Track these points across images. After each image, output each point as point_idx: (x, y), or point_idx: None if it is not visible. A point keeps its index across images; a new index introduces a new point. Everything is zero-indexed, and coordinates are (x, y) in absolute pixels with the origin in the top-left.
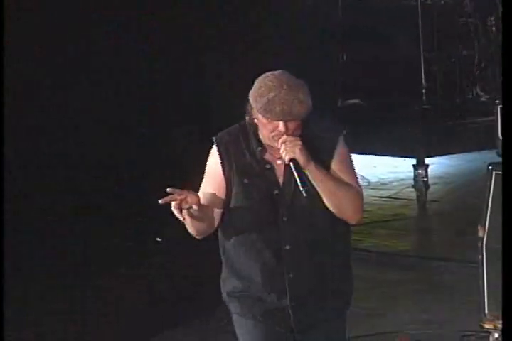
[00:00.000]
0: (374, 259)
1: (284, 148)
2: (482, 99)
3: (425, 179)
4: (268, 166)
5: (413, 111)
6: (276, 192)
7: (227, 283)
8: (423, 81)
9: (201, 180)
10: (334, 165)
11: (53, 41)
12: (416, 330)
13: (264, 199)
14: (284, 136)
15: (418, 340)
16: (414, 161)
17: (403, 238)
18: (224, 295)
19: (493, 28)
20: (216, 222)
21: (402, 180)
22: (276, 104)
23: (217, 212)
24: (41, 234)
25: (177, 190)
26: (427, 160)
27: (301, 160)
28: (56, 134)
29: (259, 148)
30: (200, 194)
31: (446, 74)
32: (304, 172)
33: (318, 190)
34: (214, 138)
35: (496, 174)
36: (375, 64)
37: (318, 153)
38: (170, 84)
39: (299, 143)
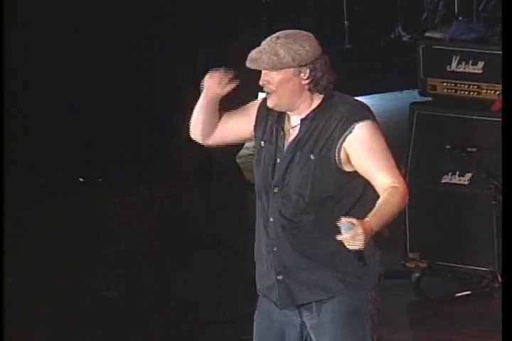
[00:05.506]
0: None
1: (347, 241)
2: (404, 38)
3: None
4: (281, 133)
5: (336, 51)
6: (279, 161)
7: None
8: (345, 20)
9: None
10: (362, 155)
11: (53, 41)
12: None
13: (268, 167)
14: (356, 231)
15: None
16: None
17: None
18: None
19: None
20: (216, 130)
21: None
22: (253, 51)
23: (224, 126)
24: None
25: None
26: None
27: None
28: (55, 134)
29: (277, 114)
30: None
31: (368, 13)
32: None
33: None
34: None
35: (417, 113)
36: (297, 3)
37: (333, 134)
38: (171, 84)
39: (362, 238)
